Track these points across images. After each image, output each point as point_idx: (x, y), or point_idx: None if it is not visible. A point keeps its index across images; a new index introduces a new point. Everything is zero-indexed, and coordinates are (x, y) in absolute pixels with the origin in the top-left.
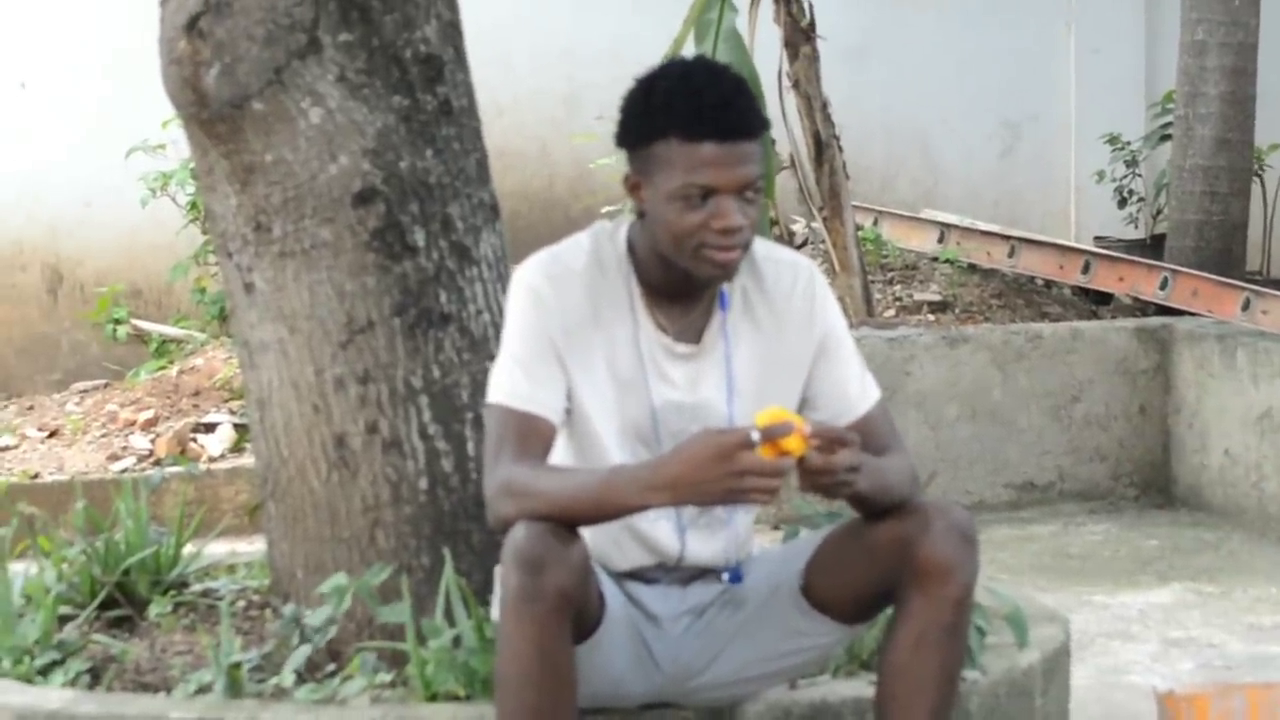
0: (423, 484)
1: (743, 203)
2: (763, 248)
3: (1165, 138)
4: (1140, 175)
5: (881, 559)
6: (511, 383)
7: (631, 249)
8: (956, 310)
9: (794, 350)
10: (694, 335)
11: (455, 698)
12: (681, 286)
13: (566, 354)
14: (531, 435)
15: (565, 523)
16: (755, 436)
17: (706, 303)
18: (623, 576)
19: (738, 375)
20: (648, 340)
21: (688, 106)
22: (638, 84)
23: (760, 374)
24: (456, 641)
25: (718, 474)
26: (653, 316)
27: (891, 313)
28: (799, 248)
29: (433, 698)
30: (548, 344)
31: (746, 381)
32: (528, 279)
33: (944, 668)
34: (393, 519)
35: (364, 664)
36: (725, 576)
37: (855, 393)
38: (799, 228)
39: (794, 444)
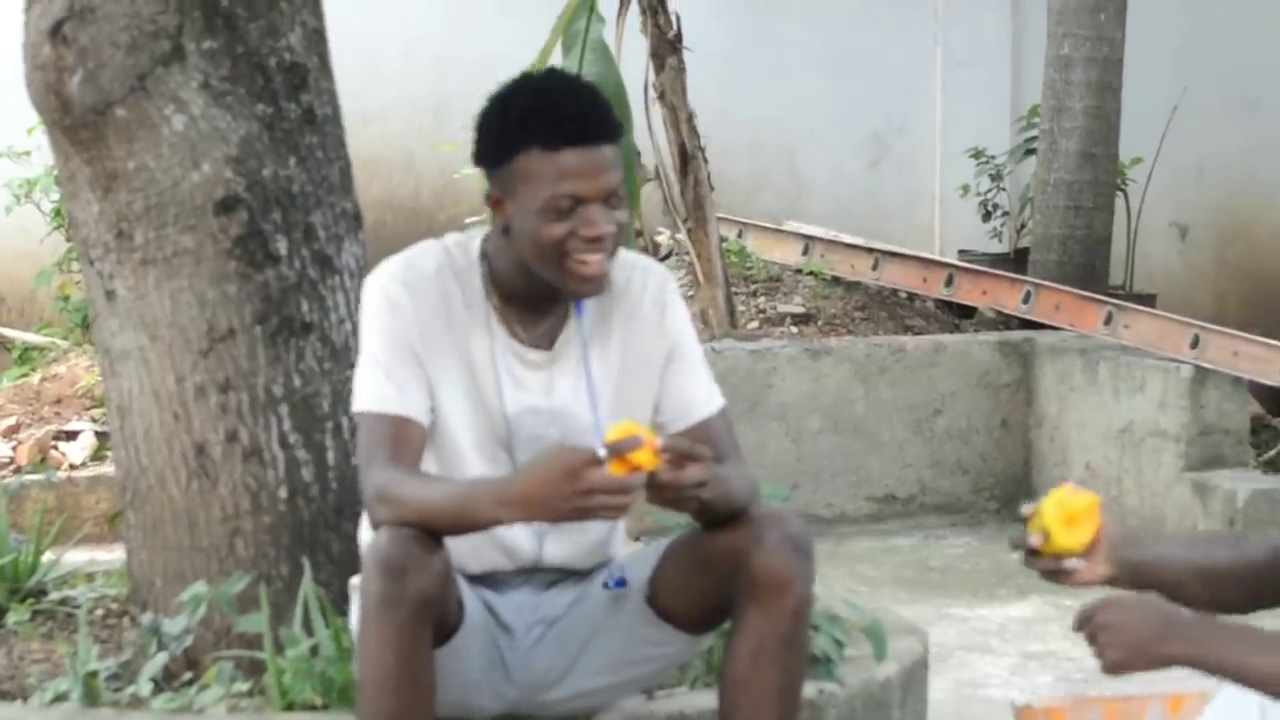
0: (282, 493)
1: (608, 209)
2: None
3: (1030, 152)
4: (1005, 189)
5: (718, 570)
6: (378, 388)
7: (485, 258)
8: (820, 323)
9: (647, 354)
10: (547, 341)
11: (312, 707)
12: (539, 296)
13: (424, 358)
14: (402, 439)
15: (430, 531)
16: (603, 454)
17: (561, 310)
18: (480, 582)
19: (596, 380)
20: (501, 347)
21: (546, 118)
22: (492, 101)
23: (617, 378)
24: (314, 651)
25: (565, 492)
26: (506, 324)
27: (755, 325)
28: (663, 259)
29: (289, 707)
30: (407, 348)
31: (604, 385)
32: (383, 285)
33: (784, 679)
34: (252, 528)
35: (221, 673)
36: (609, 582)
37: (701, 399)
38: (664, 239)
39: (644, 458)
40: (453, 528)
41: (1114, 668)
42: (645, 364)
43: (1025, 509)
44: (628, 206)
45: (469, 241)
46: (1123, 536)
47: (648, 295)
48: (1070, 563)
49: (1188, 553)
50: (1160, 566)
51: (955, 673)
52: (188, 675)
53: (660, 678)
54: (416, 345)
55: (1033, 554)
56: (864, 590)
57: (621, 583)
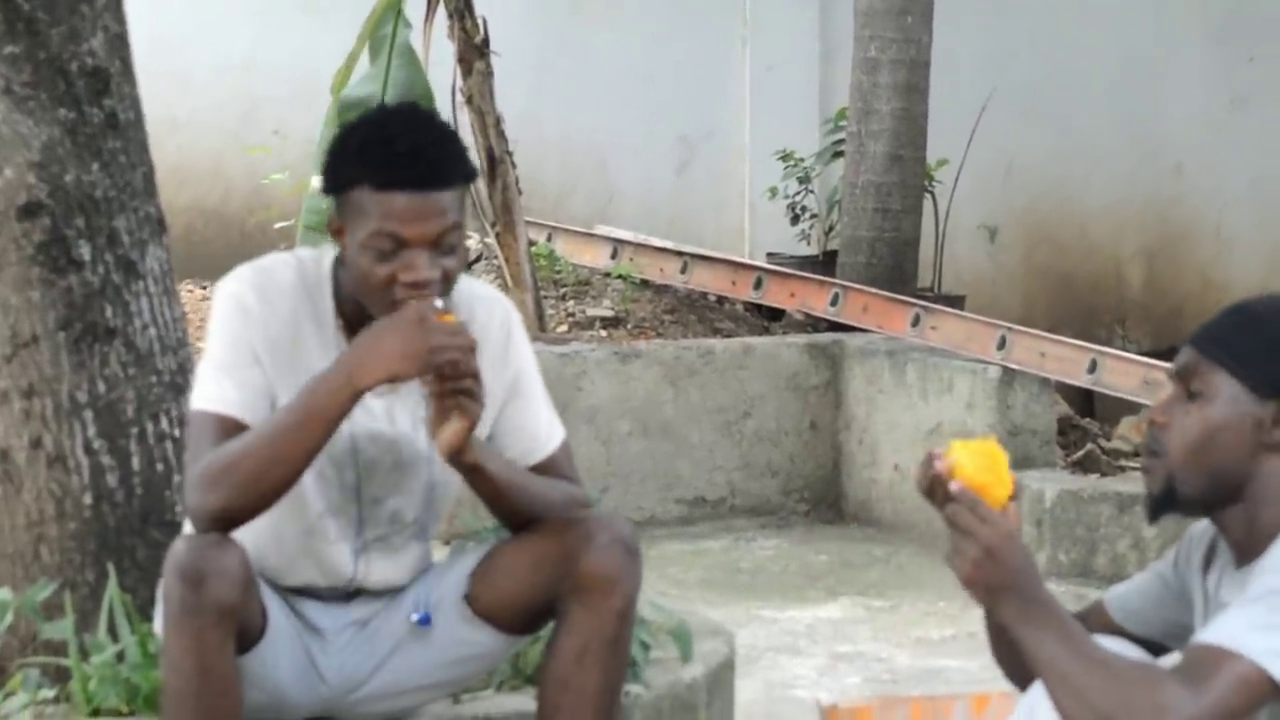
0: (87, 499)
1: (436, 254)
2: (462, 282)
3: (838, 154)
4: (813, 192)
5: (545, 570)
6: (216, 389)
7: (334, 279)
8: (629, 326)
9: (489, 387)
10: None
11: (118, 713)
12: None
13: (268, 367)
14: (232, 437)
15: (280, 475)
16: (439, 304)
17: None
18: (289, 591)
19: None
20: None
21: (379, 155)
22: (340, 130)
23: None
24: (120, 657)
25: (420, 333)
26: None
27: (564, 328)
28: (472, 263)
29: (95, 714)
30: (251, 353)
31: None
32: (234, 290)
33: (606, 680)
34: (57, 534)
35: (27, 680)
36: (415, 617)
37: (544, 434)
38: (473, 243)
39: (453, 319)
40: (309, 435)
41: (960, 574)
42: (487, 396)
43: (938, 463)
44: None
45: (321, 259)
46: None
47: (493, 326)
48: None
49: None
50: None
51: (764, 674)
52: None
53: (475, 677)
54: (261, 352)
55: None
56: (674, 593)
57: (426, 620)
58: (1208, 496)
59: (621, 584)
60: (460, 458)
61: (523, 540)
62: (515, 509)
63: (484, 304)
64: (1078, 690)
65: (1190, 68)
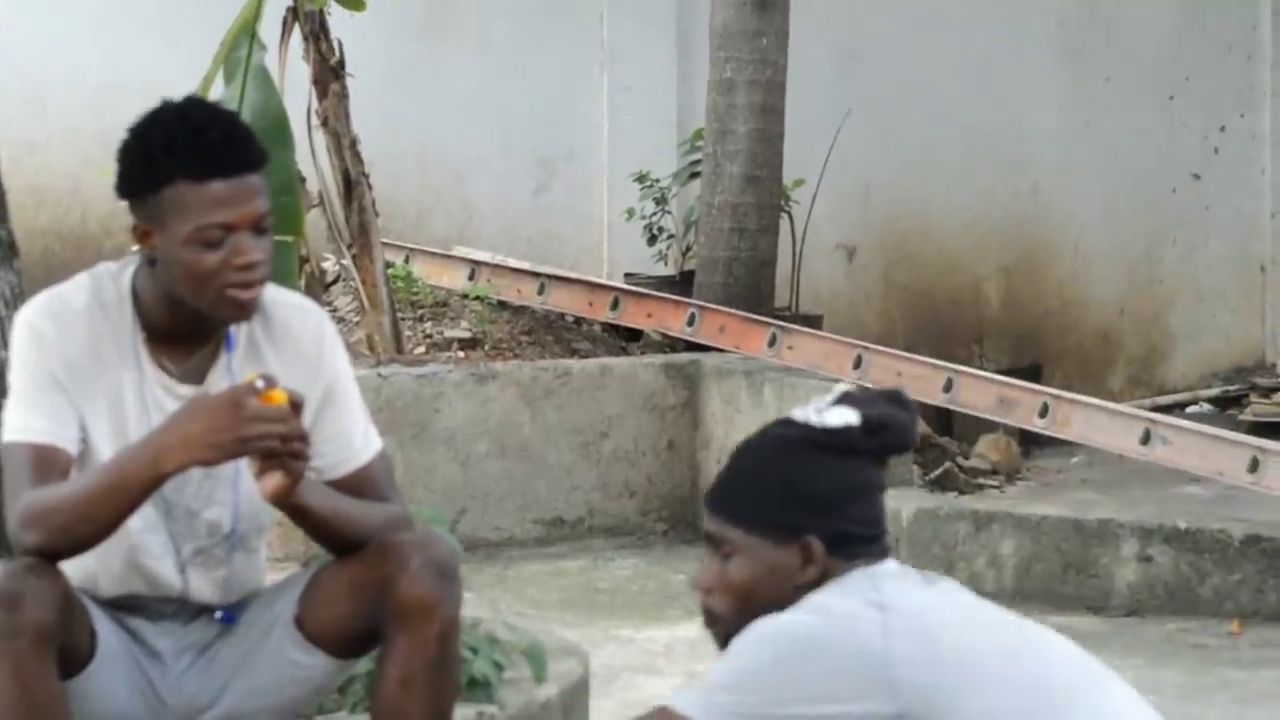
0: None
1: (258, 236)
2: (272, 292)
3: (695, 175)
4: (670, 213)
5: (364, 596)
6: (22, 419)
7: (135, 292)
8: (486, 347)
9: (299, 392)
10: (198, 377)
11: None
12: (188, 329)
13: (71, 391)
14: (48, 465)
15: (91, 531)
16: (260, 384)
17: (212, 345)
18: (124, 609)
19: None
20: (150, 382)
21: (191, 148)
22: (133, 132)
23: None
24: None
25: (230, 421)
26: (155, 359)
27: (422, 350)
28: (329, 285)
29: None
30: (51, 380)
31: None
32: (28, 318)
33: (434, 703)
34: None
35: None
36: (218, 615)
37: (359, 443)
38: (329, 265)
39: (281, 397)
40: (115, 506)
41: None
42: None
43: None
44: (285, 235)
45: (121, 273)
46: None
47: (306, 335)
48: None
49: None
50: None
51: (622, 694)
52: None
53: (314, 700)
54: (62, 378)
55: None
56: (532, 613)
57: (229, 618)
58: None
59: (439, 608)
60: (284, 501)
61: (343, 566)
62: (336, 538)
63: (296, 313)
64: None
65: (1046, 87)
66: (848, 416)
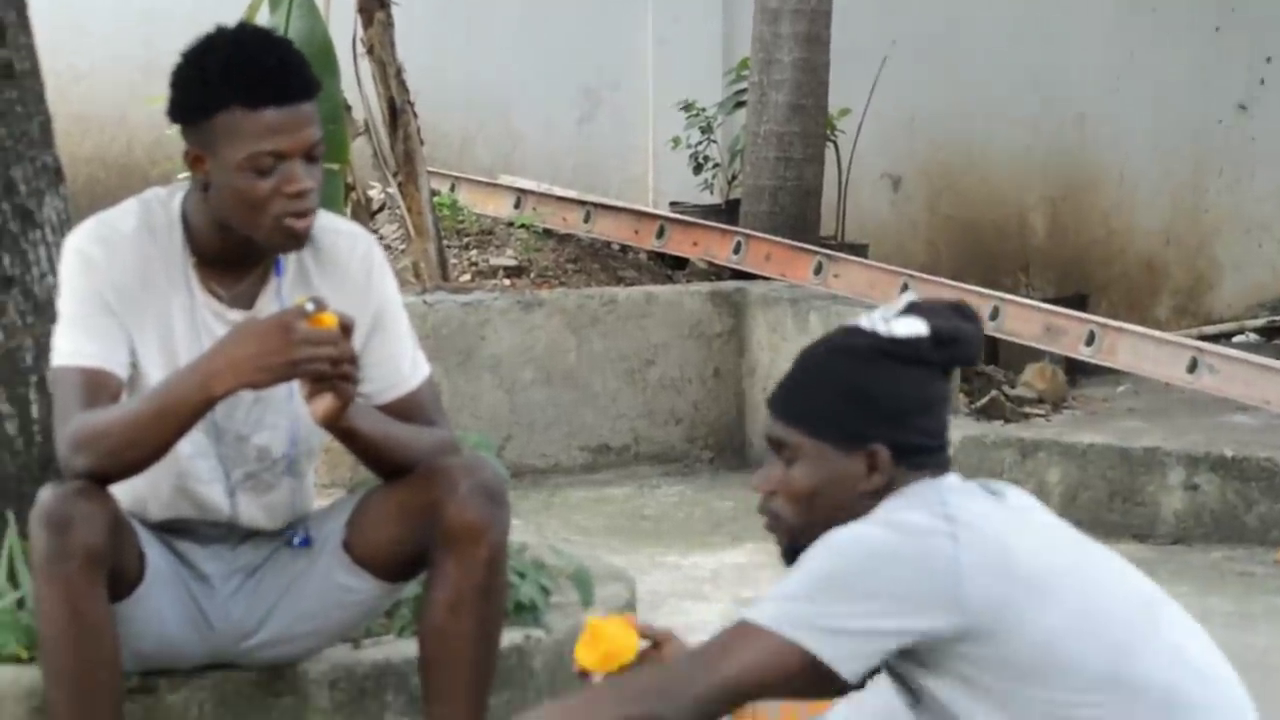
0: None
1: (309, 165)
2: (322, 218)
3: (740, 104)
4: (715, 142)
5: (412, 520)
6: (71, 343)
7: (184, 217)
8: (532, 275)
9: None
10: (247, 302)
11: (18, 660)
12: (238, 254)
13: (121, 316)
14: (98, 389)
15: (140, 455)
16: (310, 308)
17: (261, 270)
18: (172, 533)
19: None
20: (199, 307)
21: (246, 75)
22: (187, 58)
23: None
24: (20, 604)
25: (280, 344)
26: (204, 283)
27: (467, 278)
28: (375, 213)
29: None
30: (102, 304)
31: None
32: (77, 244)
33: (482, 628)
34: None
35: None
36: (296, 540)
37: (407, 368)
38: (375, 193)
39: (331, 320)
40: (164, 430)
41: None
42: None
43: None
44: (331, 163)
45: (170, 198)
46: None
47: (354, 262)
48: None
49: None
50: None
51: (669, 619)
52: None
53: (361, 625)
54: (112, 303)
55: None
56: (578, 540)
57: (306, 541)
58: None
59: (487, 532)
60: (334, 424)
61: (391, 490)
62: (386, 461)
63: (345, 238)
64: None
65: (1092, 17)
66: (916, 327)
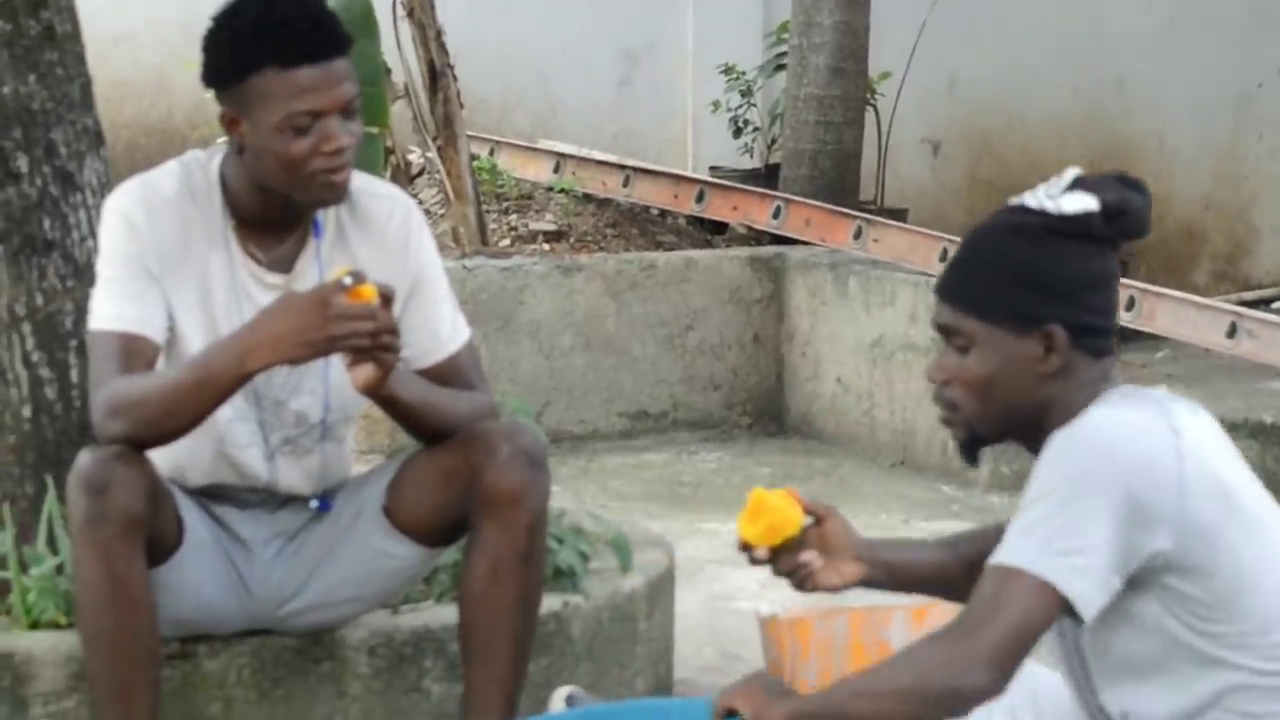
0: (26, 412)
1: (346, 120)
2: (360, 180)
3: (780, 67)
4: (755, 105)
5: (453, 485)
6: (110, 307)
7: (223, 179)
8: (571, 240)
9: (389, 283)
10: (286, 265)
11: (57, 625)
12: (277, 216)
13: (161, 279)
14: (134, 354)
15: (178, 423)
16: (348, 281)
17: (300, 232)
18: (212, 498)
19: None
20: (239, 270)
21: (279, 35)
22: (218, 21)
23: None
24: (60, 569)
25: (318, 320)
26: (243, 246)
27: (507, 242)
28: (414, 177)
29: (35, 625)
30: (142, 268)
31: None
32: (119, 205)
33: (522, 593)
34: None
35: None
36: (314, 504)
37: (446, 332)
38: (415, 157)
39: (370, 292)
40: (200, 401)
41: None
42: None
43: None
44: (370, 126)
45: (210, 161)
46: (875, 539)
47: (393, 225)
48: (805, 556)
49: (940, 552)
50: (916, 565)
51: (706, 586)
52: None
53: (401, 591)
54: (152, 266)
55: (751, 554)
56: (616, 506)
57: (326, 505)
58: (1010, 433)
59: (528, 498)
60: (375, 392)
61: (432, 455)
62: (426, 427)
63: (384, 202)
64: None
65: None
66: (1085, 202)
